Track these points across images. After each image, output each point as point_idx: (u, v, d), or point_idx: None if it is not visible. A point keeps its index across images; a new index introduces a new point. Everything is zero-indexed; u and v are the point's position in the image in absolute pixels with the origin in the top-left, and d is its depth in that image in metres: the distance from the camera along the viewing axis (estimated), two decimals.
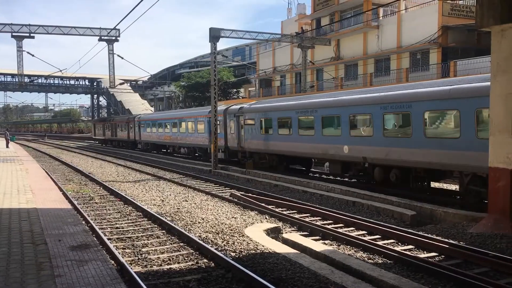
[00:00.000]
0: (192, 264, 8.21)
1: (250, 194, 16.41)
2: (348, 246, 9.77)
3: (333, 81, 40.84)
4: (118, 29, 37.31)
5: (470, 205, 12.97)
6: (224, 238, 9.95)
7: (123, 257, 8.47)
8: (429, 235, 9.96)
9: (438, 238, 9.77)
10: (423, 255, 8.99)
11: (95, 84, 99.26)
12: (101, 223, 11.97)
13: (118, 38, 38.14)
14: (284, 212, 13.23)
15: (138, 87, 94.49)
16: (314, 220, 12.46)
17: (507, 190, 10.12)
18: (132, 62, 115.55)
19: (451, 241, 9.49)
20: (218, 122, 26.08)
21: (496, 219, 10.19)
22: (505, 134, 10.23)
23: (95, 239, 9.35)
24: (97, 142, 62.48)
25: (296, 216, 12.74)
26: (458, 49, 33.45)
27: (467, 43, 33.05)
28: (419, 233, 10.20)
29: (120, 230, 11.10)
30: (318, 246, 9.16)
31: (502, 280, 7.42)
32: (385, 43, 37.93)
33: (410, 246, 9.61)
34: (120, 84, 65.29)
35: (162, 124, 38.25)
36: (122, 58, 35.46)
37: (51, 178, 20.34)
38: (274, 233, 10.74)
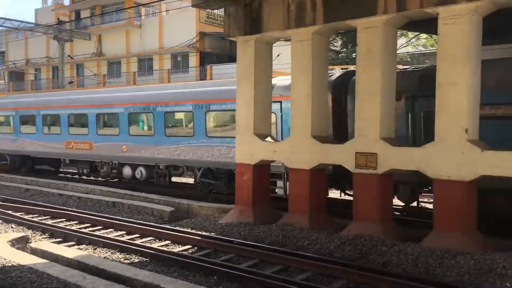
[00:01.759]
0: None
1: None
2: (105, 249, 9.54)
3: (95, 77, 39.18)
4: None
5: (223, 198, 14.23)
6: None
7: None
8: (185, 229, 10.51)
9: (192, 231, 10.39)
10: (178, 249, 9.43)
11: None
12: None
13: None
14: (35, 219, 12.09)
15: None
16: (69, 225, 11.75)
17: (250, 183, 11.45)
18: None
19: (204, 233, 10.22)
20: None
21: (241, 210, 11.41)
22: (248, 134, 11.54)
23: None
24: None
25: (49, 222, 11.82)
26: (214, 54, 36.24)
27: (221, 50, 36.04)
28: (175, 228, 10.66)
29: None
30: (71, 252, 8.65)
31: (243, 263, 8.36)
32: (148, 43, 38.28)
33: (167, 242, 9.95)
34: None
35: (59, 118, 19.46)
36: None
37: None
38: (21, 243, 9.66)
